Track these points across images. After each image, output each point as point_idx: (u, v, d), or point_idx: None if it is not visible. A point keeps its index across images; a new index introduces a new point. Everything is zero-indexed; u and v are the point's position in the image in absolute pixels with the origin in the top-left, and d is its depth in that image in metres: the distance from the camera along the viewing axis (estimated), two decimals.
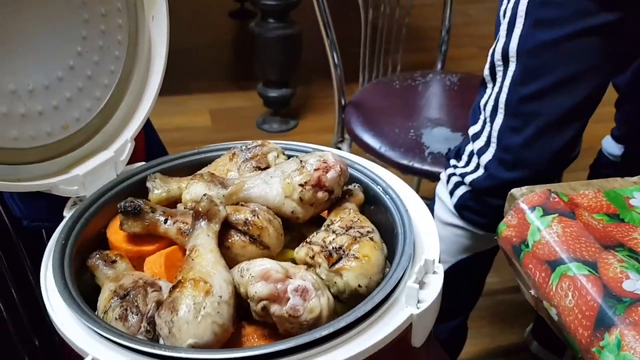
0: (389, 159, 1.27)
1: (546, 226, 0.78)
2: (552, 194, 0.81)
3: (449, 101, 1.48)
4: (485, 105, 1.00)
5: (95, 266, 0.58)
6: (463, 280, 1.13)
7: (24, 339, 0.75)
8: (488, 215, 1.01)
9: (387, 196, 0.62)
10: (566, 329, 0.71)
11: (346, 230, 0.56)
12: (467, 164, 1.03)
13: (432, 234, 0.57)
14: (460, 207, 1.03)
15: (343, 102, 1.45)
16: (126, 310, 0.50)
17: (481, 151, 1.00)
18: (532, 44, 0.91)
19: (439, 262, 0.54)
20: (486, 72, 0.99)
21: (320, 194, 0.60)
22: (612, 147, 1.26)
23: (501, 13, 0.96)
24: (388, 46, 1.58)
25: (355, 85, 1.58)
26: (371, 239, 0.54)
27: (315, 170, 0.60)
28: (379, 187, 0.64)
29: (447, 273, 1.13)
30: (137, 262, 0.61)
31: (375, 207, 0.63)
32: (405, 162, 1.26)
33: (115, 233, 0.62)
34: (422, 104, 1.43)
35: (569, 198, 0.82)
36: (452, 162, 1.06)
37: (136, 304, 0.51)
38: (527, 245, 0.79)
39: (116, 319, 0.50)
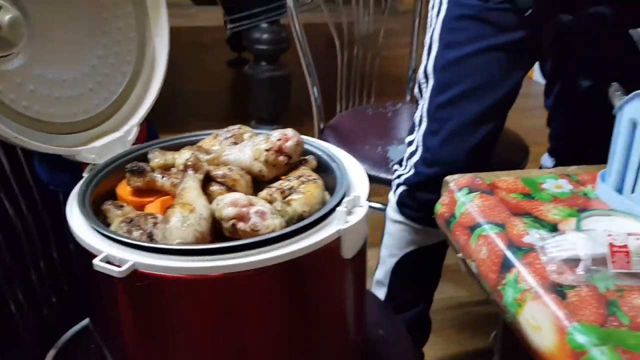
0: None
1: (469, 201, 0.96)
2: (477, 178, 1.01)
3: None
4: (416, 117, 1.21)
5: (107, 209, 0.77)
6: (414, 271, 1.31)
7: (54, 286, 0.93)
8: (421, 210, 1.19)
9: (333, 163, 0.81)
10: (482, 276, 0.88)
11: (297, 178, 0.75)
12: (405, 167, 1.23)
13: (362, 182, 0.76)
14: (400, 204, 1.23)
15: (322, 126, 1.65)
16: (131, 228, 0.69)
17: (412, 154, 1.20)
18: (443, 62, 1.12)
19: (366, 200, 0.73)
20: (416, 90, 1.21)
21: (281, 158, 0.79)
22: (547, 162, 1.46)
23: (425, 43, 1.18)
24: (362, 81, 1.81)
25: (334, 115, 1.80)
26: (315, 181, 0.73)
27: (278, 140, 0.80)
28: (327, 156, 0.83)
29: (398, 264, 1.31)
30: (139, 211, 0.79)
31: (324, 173, 0.82)
32: (373, 173, 1.45)
33: (123, 189, 0.81)
34: (391, 127, 1.64)
35: (491, 182, 1.01)
36: (396, 167, 1.27)
37: (139, 224, 0.69)
38: (454, 217, 0.97)
39: (123, 233, 0.69)
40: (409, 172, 1.21)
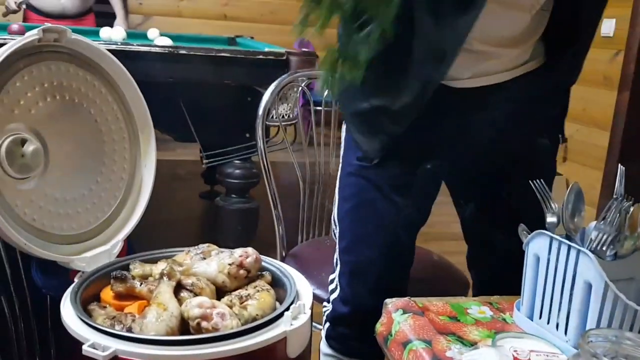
0: (316, 296, 1.60)
1: (403, 320, 1.12)
2: (411, 301, 1.17)
3: None
4: (335, 258, 1.35)
5: (93, 309, 0.91)
6: None
7: None
8: (342, 342, 1.30)
9: (284, 278, 0.98)
10: None
11: (254, 288, 0.91)
12: (329, 304, 1.35)
13: (307, 294, 0.92)
14: (327, 338, 1.34)
15: (283, 254, 1.82)
16: (114, 322, 0.83)
17: (332, 292, 1.34)
18: (340, 213, 1.29)
19: (309, 309, 0.88)
20: (332, 234, 1.37)
21: (241, 271, 0.95)
22: None
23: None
24: (322, 213, 2.00)
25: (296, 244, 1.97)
26: (267, 290, 0.89)
27: (240, 256, 0.97)
28: (280, 273, 1.00)
29: None
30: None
31: (277, 287, 0.98)
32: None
33: (106, 294, 0.96)
34: None
35: (423, 304, 1.17)
36: (324, 303, 1.39)
37: (120, 320, 0.84)
38: (391, 335, 1.12)
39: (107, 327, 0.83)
40: (330, 309, 1.34)
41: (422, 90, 1.11)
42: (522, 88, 1.19)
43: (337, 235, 1.33)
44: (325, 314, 1.35)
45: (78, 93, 1.01)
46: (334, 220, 1.34)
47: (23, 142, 0.92)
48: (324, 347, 1.37)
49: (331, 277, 1.37)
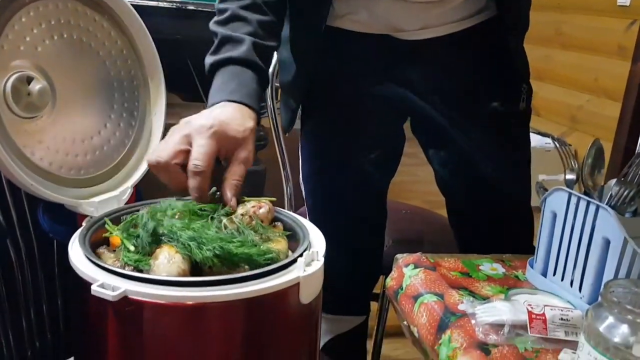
0: None
1: (414, 275, 1.10)
2: (423, 256, 1.15)
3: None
4: None
5: (102, 252, 0.89)
6: (335, 358, 1.40)
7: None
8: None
9: (298, 227, 0.96)
10: (422, 339, 1.01)
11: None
12: None
13: (320, 243, 0.90)
14: None
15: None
16: (123, 266, 0.81)
17: None
18: (302, 175, 1.34)
19: (323, 257, 0.86)
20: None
21: (254, 222, 0.93)
22: None
23: None
24: None
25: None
26: (280, 237, 0.88)
27: (252, 207, 0.95)
28: (294, 223, 0.97)
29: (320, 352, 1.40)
30: None
31: (291, 237, 0.97)
32: None
33: (115, 239, 0.94)
34: None
35: (434, 260, 1.15)
36: None
37: (127, 263, 0.82)
38: (402, 289, 1.11)
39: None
40: None
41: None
42: (474, 41, 1.18)
43: (304, 195, 1.35)
44: None
45: (86, 33, 0.98)
46: (301, 181, 1.36)
47: (29, 80, 0.89)
48: None
49: None
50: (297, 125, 1.30)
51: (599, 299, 0.74)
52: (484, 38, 1.18)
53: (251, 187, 2.52)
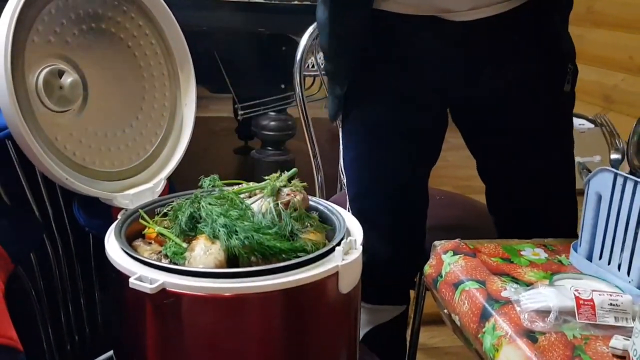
0: None
1: (454, 262, 1.08)
2: (462, 243, 1.12)
3: None
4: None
5: (138, 245, 0.88)
6: (375, 349, 1.38)
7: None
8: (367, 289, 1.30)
9: (333, 216, 0.94)
10: (464, 327, 0.98)
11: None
12: None
13: (358, 231, 0.88)
14: None
15: None
16: (160, 258, 0.80)
17: None
18: (345, 161, 1.29)
19: (360, 245, 0.84)
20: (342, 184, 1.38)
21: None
22: None
23: None
24: None
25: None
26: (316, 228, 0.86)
27: (287, 195, 0.93)
28: (329, 212, 0.95)
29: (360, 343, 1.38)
30: None
31: (327, 222, 0.95)
32: None
33: (151, 231, 0.93)
34: None
35: (474, 246, 1.12)
36: None
37: (165, 254, 0.81)
38: (441, 276, 1.08)
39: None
40: None
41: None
42: (522, 21, 1.15)
43: (345, 184, 1.30)
44: None
45: (115, 25, 0.97)
46: (341, 170, 1.31)
47: (60, 73, 0.89)
48: None
49: None
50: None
51: None
52: (531, 18, 1.14)
53: None
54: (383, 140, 1.23)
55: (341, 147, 1.30)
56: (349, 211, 1.29)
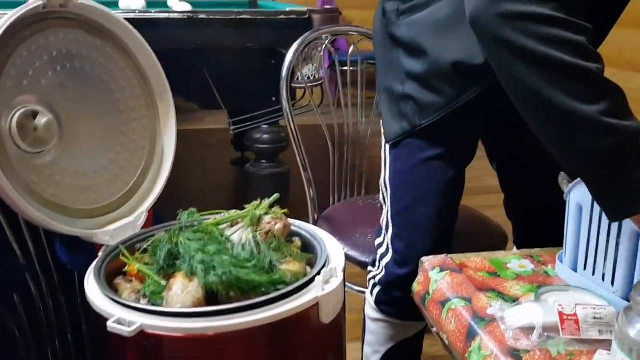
0: (350, 257, 1.58)
1: (440, 278, 1.07)
2: (448, 258, 1.12)
3: None
4: (382, 221, 1.32)
5: (118, 283, 0.89)
6: None
7: None
8: (397, 307, 1.28)
9: (315, 241, 0.94)
10: (452, 346, 0.98)
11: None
12: (378, 268, 1.32)
13: (339, 257, 0.88)
14: (378, 303, 1.31)
15: (315, 216, 1.78)
16: (139, 297, 0.80)
17: (383, 256, 1.30)
18: (393, 174, 1.25)
19: (342, 272, 0.84)
20: (380, 197, 1.33)
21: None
22: None
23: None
24: (353, 176, 1.95)
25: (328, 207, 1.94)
26: (296, 257, 0.85)
27: (267, 223, 0.93)
28: (311, 237, 0.96)
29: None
30: None
31: (309, 251, 0.95)
32: (363, 259, 1.55)
33: (133, 267, 0.93)
34: (379, 217, 1.76)
35: (460, 261, 1.12)
36: (370, 268, 1.36)
37: (144, 294, 0.81)
38: (429, 294, 1.08)
39: (133, 301, 0.80)
40: (381, 272, 1.30)
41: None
42: None
43: (388, 198, 1.28)
44: (376, 278, 1.31)
45: (89, 60, 0.97)
46: (384, 184, 1.30)
47: (35, 114, 0.89)
48: (373, 313, 1.34)
49: (379, 240, 1.33)
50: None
51: (630, 301, 0.71)
52: None
53: (278, 189, 2.49)
54: (439, 158, 1.21)
55: (388, 160, 1.28)
56: (387, 226, 1.29)
